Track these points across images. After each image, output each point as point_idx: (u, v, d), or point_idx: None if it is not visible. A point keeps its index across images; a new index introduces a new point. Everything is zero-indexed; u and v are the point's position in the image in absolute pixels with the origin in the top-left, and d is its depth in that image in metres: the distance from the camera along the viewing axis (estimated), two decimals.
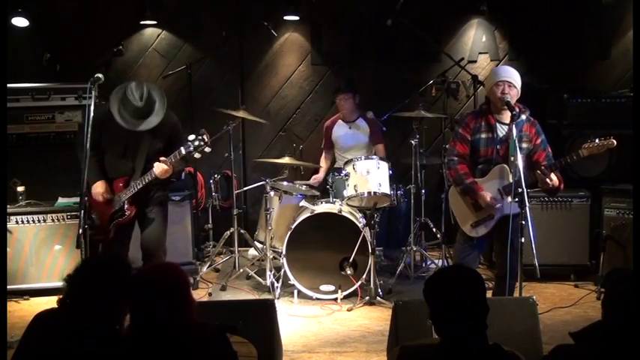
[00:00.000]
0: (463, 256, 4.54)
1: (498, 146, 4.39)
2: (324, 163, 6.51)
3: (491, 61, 6.85)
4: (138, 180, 4.57)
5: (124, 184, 4.63)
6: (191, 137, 4.47)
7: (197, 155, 4.53)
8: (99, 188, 4.60)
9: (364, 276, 5.33)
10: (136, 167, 4.61)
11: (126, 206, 4.62)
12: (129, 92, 4.42)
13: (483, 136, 4.43)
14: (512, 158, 4.29)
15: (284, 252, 5.41)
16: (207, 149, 4.50)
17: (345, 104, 6.21)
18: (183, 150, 4.46)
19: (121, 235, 4.73)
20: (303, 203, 5.69)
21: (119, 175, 4.65)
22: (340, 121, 6.34)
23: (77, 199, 4.99)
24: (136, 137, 4.56)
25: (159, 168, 4.47)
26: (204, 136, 4.45)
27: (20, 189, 5.72)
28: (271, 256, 5.67)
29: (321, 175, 6.41)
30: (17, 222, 5.52)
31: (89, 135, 4.04)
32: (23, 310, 5.32)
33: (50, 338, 2.56)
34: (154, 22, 6.77)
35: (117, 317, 2.68)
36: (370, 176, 5.47)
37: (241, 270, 5.89)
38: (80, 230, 3.99)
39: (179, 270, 2.63)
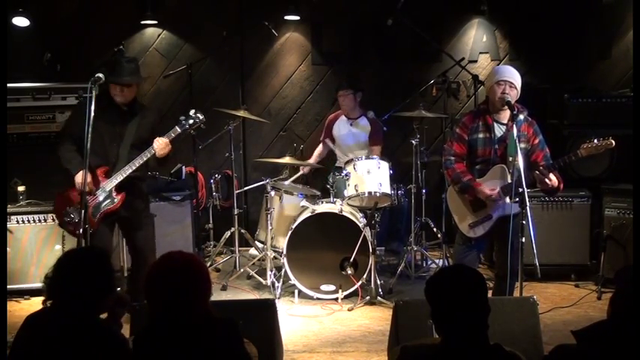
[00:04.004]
0: (462, 257, 4.52)
1: (496, 146, 4.37)
2: (313, 159, 6.49)
3: (492, 60, 6.85)
4: (127, 166, 4.59)
5: (105, 173, 4.63)
6: (183, 117, 4.70)
7: (192, 132, 4.82)
8: (82, 178, 4.48)
9: (365, 276, 5.33)
10: (121, 156, 4.65)
11: (114, 193, 4.62)
12: (119, 56, 4.70)
13: (481, 135, 4.41)
14: (510, 158, 4.29)
15: (284, 252, 5.41)
16: (203, 126, 4.77)
17: (343, 101, 6.21)
18: (178, 128, 4.65)
19: (108, 225, 4.73)
20: (303, 203, 5.69)
21: (102, 163, 4.63)
22: (343, 117, 6.34)
23: None
24: (121, 126, 4.65)
25: (158, 142, 4.57)
26: (199, 114, 4.69)
27: (20, 189, 5.73)
28: (272, 256, 5.67)
29: (307, 170, 6.41)
30: (17, 222, 5.53)
31: (89, 135, 4.05)
32: (23, 310, 5.31)
33: (40, 339, 2.54)
34: (155, 22, 6.78)
35: (100, 309, 2.65)
36: (371, 176, 5.47)
37: (242, 270, 5.90)
38: (81, 230, 3.99)
39: (198, 258, 2.62)
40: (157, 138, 4.60)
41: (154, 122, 4.83)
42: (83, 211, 4.02)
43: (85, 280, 2.59)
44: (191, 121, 4.70)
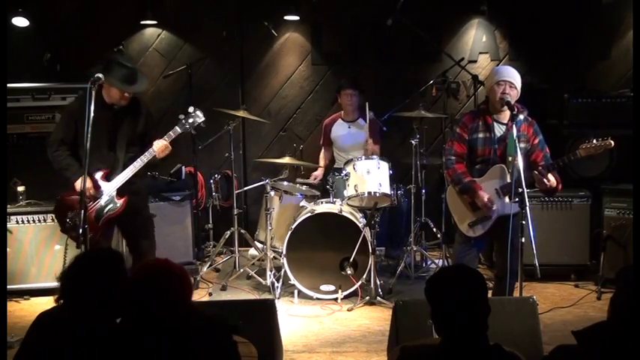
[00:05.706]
0: (462, 256, 4.53)
1: (496, 146, 4.38)
2: (322, 162, 6.52)
3: (492, 61, 6.85)
4: (128, 169, 4.54)
5: (105, 177, 4.54)
6: (182, 116, 4.66)
7: (193, 132, 4.78)
8: (81, 184, 4.34)
9: (364, 276, 5.33)
10: (119, 157, 4.59)
11: (116, 198, 4.57)
12: (119, 59, 4.52)
13: (481, 135, 4.42)
14: (510, 158, 4.29)
15: (284, 252, 5.41)
16: (203, 125, 4.74)
17: (350, 100, 6.14)
18: (178, 128, 4.63)
19: (108, 231, 4.69)
20: (303, 203, 5.69)
21: (101, 167, 4.54)
22: (340, 120, 6.33)
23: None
24: (116, 127, 4.56)
25: (158, 144, 4.54)
26: (198, 112, 4.67)
27: (20, 189, 5.72)
28: (271, 256, 5.67)
29: (319, 173, 6.42)
30: (17, 222, 5.53)
31: (89, 135, 4.03)
32: (23, 310, 5.32)
33: (51, 338, 2.54)
34: (155, 22, 6.78)
35: (114, 312, 2.64)
36: (370, 176, 5.47)
37: (241, 270, 5.89)
38: (80, 230, 3.98)
39: (176, 265, 2.62)
40: (157, 140, 4.57)
41: (147, 116, 4.72)
42: (82, 212, 3.99)
43: (96, 282, 2.58)
44: (191, 120, 4.68)
